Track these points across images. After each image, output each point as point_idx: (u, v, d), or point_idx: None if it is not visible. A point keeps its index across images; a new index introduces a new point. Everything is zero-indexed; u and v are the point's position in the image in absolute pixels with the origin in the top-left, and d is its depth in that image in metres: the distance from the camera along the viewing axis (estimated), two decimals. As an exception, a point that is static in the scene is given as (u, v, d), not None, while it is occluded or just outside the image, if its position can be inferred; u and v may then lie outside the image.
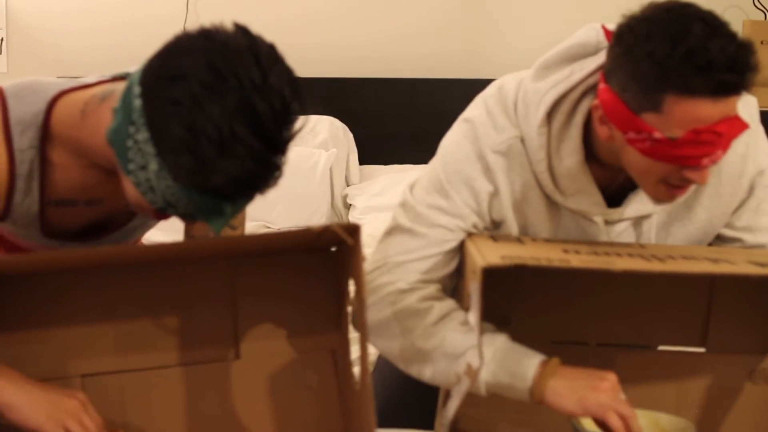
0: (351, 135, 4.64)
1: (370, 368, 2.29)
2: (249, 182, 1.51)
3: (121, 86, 1.62)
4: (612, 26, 1.69)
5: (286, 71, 1.51)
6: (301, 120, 1.53)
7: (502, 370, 1.71)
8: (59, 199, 1.72)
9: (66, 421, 1.60)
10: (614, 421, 1.63)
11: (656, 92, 1.58)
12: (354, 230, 1.62)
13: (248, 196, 1.55)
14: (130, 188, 1.58)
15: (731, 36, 1.57)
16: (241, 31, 1.52)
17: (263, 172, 1.51)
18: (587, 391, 1.66)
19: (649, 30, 1.58)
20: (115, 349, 1.77)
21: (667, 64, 1.55)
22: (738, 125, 1.62)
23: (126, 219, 1.84)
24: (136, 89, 1.52)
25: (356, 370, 1.71)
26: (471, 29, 4.78)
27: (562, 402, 1.67)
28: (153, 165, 1.52)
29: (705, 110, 1.57)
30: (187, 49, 1.49)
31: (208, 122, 1.44)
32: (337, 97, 4.62)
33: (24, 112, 1.66)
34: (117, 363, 1.78)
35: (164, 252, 1.68)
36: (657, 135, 1.60)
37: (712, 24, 1.57)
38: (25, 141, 1.65)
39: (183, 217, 1.60)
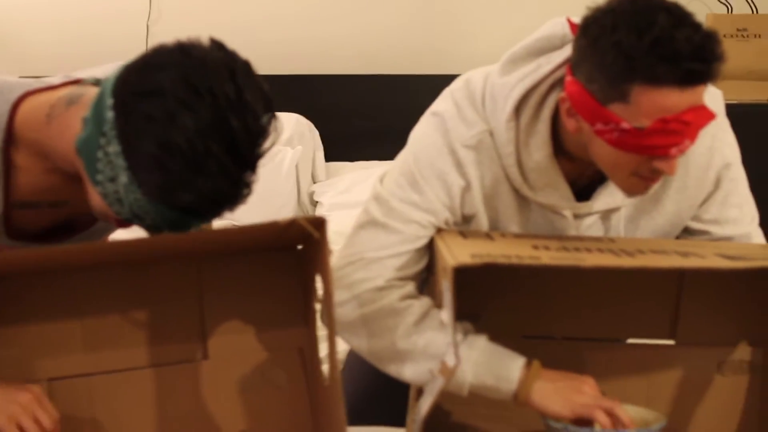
0: (317, 132, 4.62)
1: (339, 366, 2.29)
2: (219, 200, 1.50)
3: (88, 91, 1.61)
4: (577, 20, 1.69)
5: (260, 87, 1.51)
6: (272, 137, 1.52)
7: (486, 373, 1.72)
8: (23, 201, 1.70)
9: (19, 417, 1.58)
10: (601, 418, 1.66)
11: (623, 82, 1.59)
12: (320, 224, 1.62)
13: (217, 213, 1.54)
14: (95, 198, 1.57)
15: (697, 26, 1.57)
16: (217, 46, 1.51)
17: (234, 190, 1.50)
18: (571, 393, 1.69)
19: (614, 21, 1.58)
20: (82, 351, 1.76)
21: (633, 54, 1.56)
22: (705, 114, 1.62)
23: (91, 221, 1.82)
24: (109, 101, 1.50)
25: (325, 368, 1.71)
26: (437, 25, 4.77)
27: (549, 404, 1.69)
28: (123, 178, 1.51)
29: (672, 99, 1.58)
30: (163, 63, 1.48)
31: (182, 139, 1.43)
32: (303, 93, 4.61)
33: None
34: (84, 365, 1.76)
35: (131, 250, 1.67)
36: (624, 125, 1.61)
37: (678, 14, 1.58)
38: None
39: (148, 228, 1.59)
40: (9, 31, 4.51)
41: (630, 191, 1.74)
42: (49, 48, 4.46)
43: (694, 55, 1.55)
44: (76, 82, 1.70)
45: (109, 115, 1.50)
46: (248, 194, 1.52)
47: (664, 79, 1.56)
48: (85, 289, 1.75)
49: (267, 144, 1.51)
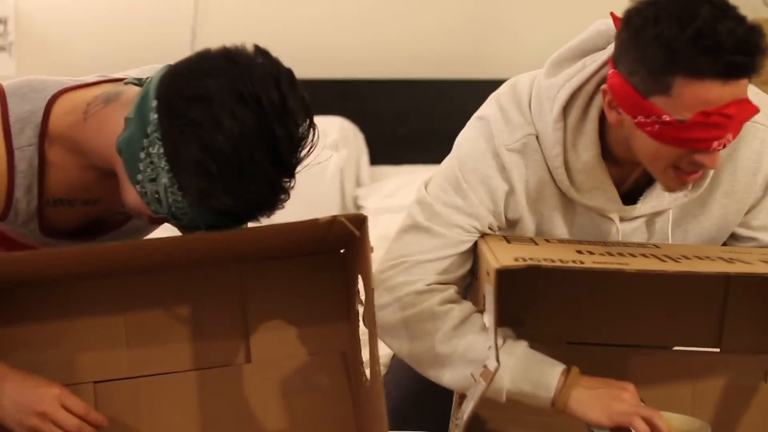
0: (362, 136, 4.63)
1: (383, 370, 2.29)
2: (258, 205, 1.54)
3: (127, 90, 1.64)
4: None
5: (302, 96, 1.53)
6: (311, 145, 1.56)
7: (523, 379, 1.71)
8: (57, 198, 1.72)
9: (40, 427, 1.60)
10: (641, 426, 1.65)
11: (665, 75, 1.58)
12: (361, 222, 1.63)
13: (254, 218, 1.57)
14: (132, 196, 1.59)
15: (740, 18, 1.57)
16: (262, 53, 1.53)
17: (273, 195, 1.54)
18: (610, 400, 1.68)
19: (656, 13, 1.58)
20: (127, 354, 1.78)
21: (675, 46, 1.55)
22: (749, 108, 1.62)
23: (122, 220, 1.83)
24: (153, 103, 1.53)
25: (368, 372, 1.71)
26: (481, 29, 4.77)
27: (587, 412, 1.68)
28: (164, 179, 1.53)
29: (714, 92, 1.57)
30: (209, 69, 1.51)
31: (226, 144, 1.46)
32: (348, 98, 4.62)
33: (23, 109, 1.65)
34: (129, 369, 1.78)
35: (175, 251, 1.68)
36: (666, 118, 1.60)
37: (721, 7, 1.57)
38: (24, 139, 1.65)
39: (185, 228, 1.62)
40: (54, 38, 4.54)
41: (668, 185, 1.73)
42: (94, 56, 4.48)
43: (737, 48, 1.54)
44: (112, 81, 1.72)
45: (153, 117, 1.52)
46: (286, 200, 1.56)
47: (706, 72, 1.56)
48: (129, 291, 1.77)
49: (306, 151, 1.55)
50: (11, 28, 4.50)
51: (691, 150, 1.63)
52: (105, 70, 1.81)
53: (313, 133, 1.55)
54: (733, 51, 1.54)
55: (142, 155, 1.54)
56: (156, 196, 1.55)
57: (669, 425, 1.69)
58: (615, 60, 1.67)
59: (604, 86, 1.69)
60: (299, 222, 1.60)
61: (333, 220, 1.60)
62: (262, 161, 1.48)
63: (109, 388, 1.77)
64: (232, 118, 1.47)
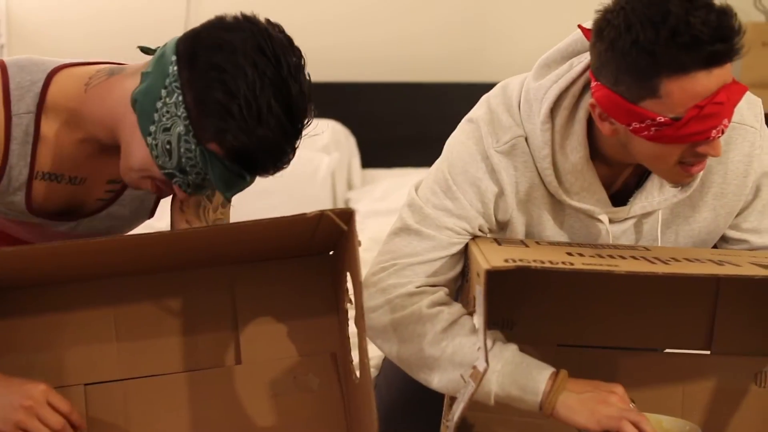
0: (353, 139, 4.63)
1: (375, 372, 2.29)
2: (272, 153, 1.62)
3: (131, 65, 1.73)
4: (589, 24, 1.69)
5: (307, 74, 1.65)
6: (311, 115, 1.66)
7: (511, 384, 1.71)
8: (46, 171, 1.75)
9: (24, 423, 1.61)
10: (628, 429, 1.64)
11: (650, 78, 1.59)
12: (349, 216, 1.64)
13: (264, 168, 1.63)
14: (137, 154, 1.65)
15: (709, 5, 1.58)
16: (277, 27, 1.64)
17: (285, 146, 1.62)
18: (597, 404, 1.67)
19: (627, 19, 1.58)
20: (117, 356, 1.78)
21: (654, 49, 1.56)
22: (737, 89, 1.63)
23: (102, 207, 1.86)
24: (172, 57, 1.62)
25: (358, 371, 1.71)
26: (474, 33, 4.76)
27: (574, 416, 1.68)
28: (180, 128, 1.61)
29: (701, 84, 1.58)
30: (231, 26, 1.61)
31: (249, 90, 1.56)
32: (339, 101, 4.61)
33: (24, 79, 1.71)
34: (119, 371, 1.78)
35: (166, 249, 1.69)
36: (661, 119, 1.61)
37: None
38: (22, 106, 1.70)
39: (188, 187, 1.65)
40: (45, 39, 4.52)
41: (676, 181, 1.74)
42: (86, 55, 4.47)
43: (714, 37, 1.55)
44: (113, 63, 1.79)
45: (173, 69, 1.61)
46: (290, 160, 1.64)
47: (690, 67, 1.56)
48: (119, 293, 1.77)
49: (308, 120, 1.65)
50: (2, 30, 4.48)
51: (692, 144, 1.64)
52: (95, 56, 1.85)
53: (312, 107, 1.64)
54: (711, 41, 1.55)
55: (159, 104, 1.62)
56: (167, 147, 1.62)
57: (659, 427, 1.69)
58: (595, 71, 1.67)
59: (591, 101, 1.69)
60: (288, 217, 1.62)
61: (321, 215, 1.61)
62: (277, 109, 1.58)
63: (99, 390, 1.77)
64: (254, 67, 1.56)
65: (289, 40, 1.63)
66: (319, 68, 4.96)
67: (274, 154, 1.62)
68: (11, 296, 1.73)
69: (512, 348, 1.74)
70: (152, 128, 1.62)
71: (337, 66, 4.69)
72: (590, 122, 1.75)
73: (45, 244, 1.63)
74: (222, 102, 1.57)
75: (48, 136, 1.73)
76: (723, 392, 1.90)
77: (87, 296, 1.75)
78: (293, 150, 1.63)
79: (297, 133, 1.62)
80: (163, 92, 1.61)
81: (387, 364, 2.18)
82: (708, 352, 1.92)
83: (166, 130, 1.61)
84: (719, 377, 1.91)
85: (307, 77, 1.64)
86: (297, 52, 1.63)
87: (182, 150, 1.61)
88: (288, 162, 1.64)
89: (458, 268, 1.85)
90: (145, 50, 1.72)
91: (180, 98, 1.60)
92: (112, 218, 1.87)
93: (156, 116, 1.62)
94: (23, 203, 1.76)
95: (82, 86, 1.72)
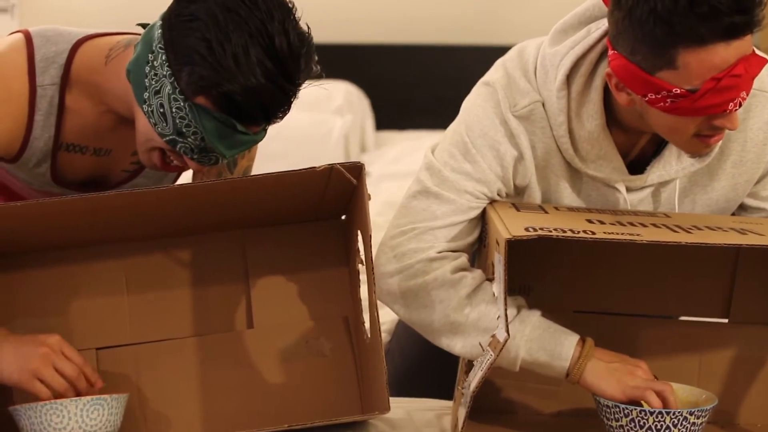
0: (367, 101, 4.61)
1: (387, 336, 2.28)
2: (260, 98, 1.59)
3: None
4: None
5: (303, 29, 1.63)
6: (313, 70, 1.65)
7: (539, 349, 1.70)
8: (70, 143, 1.77)
9: (40, 371, 1.61)
10: (653, 399, 1.65)
11: (667, 49, 1.57)
12: (358, 170, 1.64)
13: (254, 118, 1.61)
14: (140, 124, 1.66)
15: None
16: None
17: (274, 91, 1.59)
18: (625, 374, 1.67)
19: None
20: (129, 321, 1.78)
21: (671, 19, 1.54)
22: (756, 62, 1.60)
23: (127, 178, 1.88)
24: (158, 23, 1.63)
25: (369, 333, 1.71)
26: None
27: (601, 384, 1.67)
28: (167, 87, 1.61)
29: (720, 56, 1.56)
30: None
31: (222, 34, 1.56)
32: (353, 62, 4.60)
33: (49, 50, 1.73)
34: (131, 335, 1.79)
35: (176, 205, 1.69)
36: (677, 90, 1.59)
37: None
38: (47, 78, 1.72)
39: (192, 152, 1.65)
40: (59, 2, 4.54)
41: (693, 152, 1.72)
42: (97, 14, 4.45)
43: (733, 8, 1.53)
44: (134, 34, 1.79)
45: (158, 33, 1.62)
46: (287, 109, 1.63)
47: (708, 38, 1.54)
48: (131, 258, 1.78)
49: (308, 64, 1.62)
50: (13, -9, 4.49)
51: (709, 116, 1.62)
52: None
53: (313, 49, 1.63)
54: (729, 12, 1.53)
55: (147, 69, 1.62)
56: (161, 110, 1.62)
57: (675, 396, 1.68)
58: (613, 40, 1.65)
59: (607, 70, 1.67)
60: (298, 170, 1.61)
61: (331, 168, 1.61)
62: (259, 54, 1.56)
63: (111, 354, 1.78)
64: (226, 11, 1.56)
65: None
66: (332, 29, 4.97)
67: (262, 101, 1.60)
68: (20, 261, 1.74)
69: (536, 313, 1.73)
70: (146, 95, 1.63)
71: (351, 27, 4.67)
72: (607, 89, 1.73)
73: (53, 198, 1.62)
74: (195, 48, 1.57)
75: (72, 107, 1.74)
76: (740, 361, 1.89)
77: (97, 260, 1.76)
78: (286, 98, 1.62)
79: (287, 81, 1.60)
80: (150, 56, 1.62)
81: (400, 328, 2.17)
82: (726, 321, 1.90)
83: (157, 93, 1.61)
84: (737, 346, 1.89)
85: (302, 28, 1.62)
86: (288, 5, 1.62)
87: (174, 110, 1.61)
88: (282, 112, 1.63)
89: (476, 233, 1.84)
90: (144, 27, 1.71)
91: (164, 57, 1.60)
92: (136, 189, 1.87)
93: (147, 82, 1.62)
94: (48, 174, 1.78)
95: (103, 59, 1.73)
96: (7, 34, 1.82)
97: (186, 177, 2.03)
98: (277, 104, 1.61)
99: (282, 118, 1.65)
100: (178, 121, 1.61)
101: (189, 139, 1.63)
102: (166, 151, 1.68)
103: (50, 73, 1.72)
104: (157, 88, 1.61)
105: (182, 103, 1.60)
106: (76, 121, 1.75)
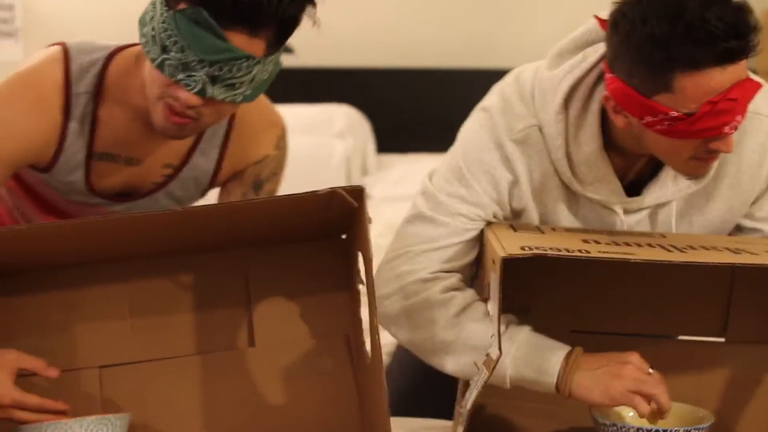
0: (368, 124, 4.62)
1: (388, 359, 2.29)
2: None
3: None
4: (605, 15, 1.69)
5: None
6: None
7: (526, 366, 1.70)
8: (102, 152, 1.81)
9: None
10: (641, 408, 1.64)
11: (664, 73, 1.59)
12: (359, 194, 1.64)
13: (232, 17, 1.60)
14: (147, 70, 1.69)
15: (725, 2, 1.57)
16: None
17: None
18: (611, 379, 1.65)
19: (643, 13, 1.59)
20: (132, 339, 1.78)
21: (669, 43, 1.56)
22: (751, 87, 1.62)
23: (154, 189, 1.92)
24: None
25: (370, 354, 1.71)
26: (489, 18, 4.76)
27: (589, 395, 1.67)
28: (157, 9, 1.65)
29: (715, 80, 1.58)
30: None
31: None
32: (354, 86, 4.61)
33: (84, 60, 1.79)
34: (133, 353, 1.79)
35: (179, 228, 1.69)
36: (673, 114, 1.61)
37: None
38: (82, 86, 1.77)
39: (175, 70, 1.64)
40: (61, 23, 4.51)
41: (691, 174, 1.74)
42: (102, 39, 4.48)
43: (728, 34, 1.55)
44: None
45: None
46: (267, 11, 1.61)
47: (704, 63, 1.56)
48: (133, 277, 1.78)
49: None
50: (18, 14, 4.50)
51: (705, 139, 1.64)
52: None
53: None
54: (726, 37, 1.55)
55: (149, 8, 1.68)
56: (152, 34, 1.65)
57: (672, 415, 1.69)
58: (610, 63, 1.67)
59: (605, 93, 1.69)
60: (299, 194, 1.62)
61: (332, 192, 1.62)
62: None
63: (114, 372, 1.78)
64: None
65: None
66: (333, 53, 4.98)
67: None
68: (23, 278, 1.74)
69: (526, 330, 1.74)
70: (144, 30, 1.67)
71: (352, 51, 4.68)
72: (604, 113, 1.75)
73: (55, 222, 1.64)
74: None
75: (105, 116, 1.79)
76: (737, 380, 1.89)
77: (100, 279, 1.76)
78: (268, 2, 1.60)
79: None
80: (150, 7, 1.68)
81: (400, 350, 2.18)
82: (722, 340, 1.91)
83: (151, 20, 1.66)
84: (734, 365, 1.90)
85: None
86: None
87: (159, 26, 1.64)
88: (260, 14, 1.61)
89: (473, 254, 1.85)
90: None
91: None
92: (167, 198, 1.93)
93: (145, 18, 1.68)
94: (83, 182, 1.83)
95: (133, 59, 1.78)
96: (46, 47, 1.87)
97: (212, 197, 2.04)
98: (257, 5, 1.60)
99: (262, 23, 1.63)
100: (163, 36, 1.64)
101: (171, 53, 1.63)
102: (169, 101, 1.68)
103: (85, 82, 1.77)
104: (151, 15, 1.66)
105: (166, 15, 1.63)
106: (109, 129, 1.79)
